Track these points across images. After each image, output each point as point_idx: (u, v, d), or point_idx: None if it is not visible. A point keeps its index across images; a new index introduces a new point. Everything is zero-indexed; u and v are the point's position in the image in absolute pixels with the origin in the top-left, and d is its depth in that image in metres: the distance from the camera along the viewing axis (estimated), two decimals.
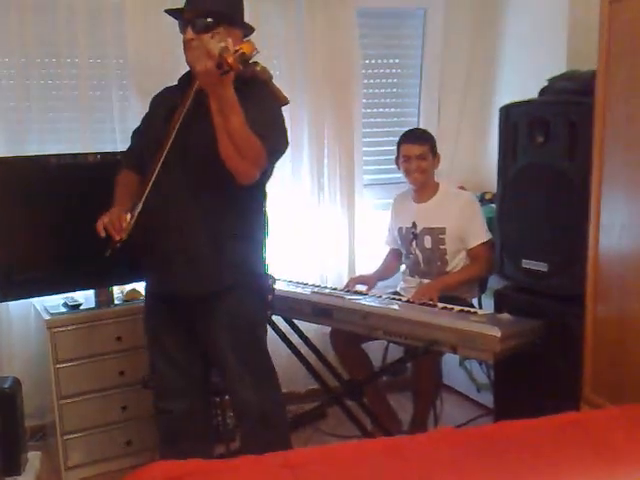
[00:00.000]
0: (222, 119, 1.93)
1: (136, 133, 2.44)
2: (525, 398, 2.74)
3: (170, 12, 2.23)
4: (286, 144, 2.19)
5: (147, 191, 2.11)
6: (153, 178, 2.10)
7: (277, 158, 2.19)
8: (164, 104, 2.25)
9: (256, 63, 2.01)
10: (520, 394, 2.80)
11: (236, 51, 1.84)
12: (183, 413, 2.38)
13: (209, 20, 2.07)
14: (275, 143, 2.12)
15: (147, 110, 2.41)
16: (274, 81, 2.07)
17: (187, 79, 2.21)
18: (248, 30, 2.24)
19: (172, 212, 2.19)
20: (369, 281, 3.26)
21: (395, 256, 3.36)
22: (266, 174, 2.21)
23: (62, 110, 3.10)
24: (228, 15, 2.14)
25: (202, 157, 2.10)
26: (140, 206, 2.11)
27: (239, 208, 2.22)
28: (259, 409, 2.30)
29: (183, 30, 2.12)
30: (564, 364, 2.60)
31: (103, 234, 2.10)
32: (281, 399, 2.46)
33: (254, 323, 2.34)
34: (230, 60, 1.81)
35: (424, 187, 3.13)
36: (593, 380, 2.41)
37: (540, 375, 2.70)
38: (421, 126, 3.73)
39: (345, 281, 3.45)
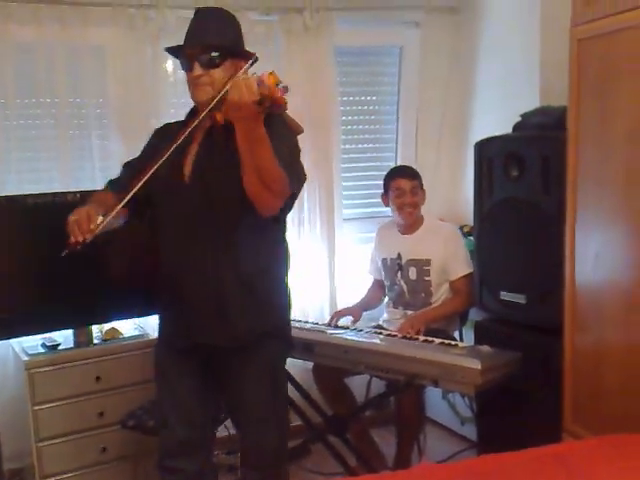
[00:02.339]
0: (250, 153, 1.86)
1: (129, 166, 2.27)
2: (508, 430, 2.73)
3: (170, 50, 2.16)
4: (305, 174, 2.14)
5: (131, 193, 1.93)
6: (139, 184, 1.94)
7: (300, 188, 2.13)
8: (170, 142, 2.11)
9: None
10: (503, 426, 2.80)
11: (277, 85, 1.78)
12: (195, 474, 2.23)
13: (215, 54, 2.02)
14: (299, 173, 2.07)
15: (129, 149, 2.39)
16: None
17: (193, 115, 2.12)
18: (252, 58, 2.11)
19: (195, 257, 2.07)
20: (354, 313, 3.27)
21: (379, 286, 3.37)
22: (288, 205, 2.14)
23: (41, 150, 3.11)
24: (233, 48, 2.08)
25: (223, 195, 2.02)
26: (115, 211, 1.93)
27: (265, 244, 2.14)
28: (278, 457, 2.25)
29: (188, 67, 2.05)
30: (545, 395, 2.61)
31: (70, 236, 1.90)
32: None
33: (283, 371, 2.30)
34: (278, 95, 1.77)
35: (415, 220, 3.17)
36: (573, 410, 2.42)
37: (522, 407, 2.71)
38: (399, 160, 3.80)
39: (327, 315, 3.46)
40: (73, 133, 3.12)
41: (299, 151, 2.13)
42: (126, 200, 1.93)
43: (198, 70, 2.02)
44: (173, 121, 2.31)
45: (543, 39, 3.07)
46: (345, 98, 3.69)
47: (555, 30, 2.76)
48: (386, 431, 3.32)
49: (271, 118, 1.94)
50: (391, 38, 3.73)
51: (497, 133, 2.91)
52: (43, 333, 2.94)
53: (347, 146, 3.72)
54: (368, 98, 3.78)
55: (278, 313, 2.21)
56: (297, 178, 2.05)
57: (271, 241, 2.18)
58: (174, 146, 1.95)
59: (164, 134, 2.20)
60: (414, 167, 3.31)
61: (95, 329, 3.00)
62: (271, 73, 1.80)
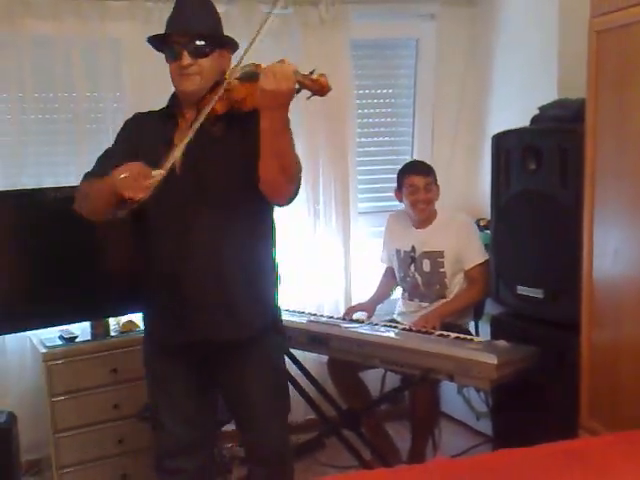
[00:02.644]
0: (274, 139, 1.84)
1: (108, 157, 2.11)
2: (524, 425, 2.71)
3: (154, 38, 2.06)
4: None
5: (170, 158, 1.85)
6: (179, 151, 1.86)
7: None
8: (152, 134, 2.08)
9: None
10: (519, 421, 2.78)
11: (311, 72, 1.80)
12: (198, 470, 2.20)
13: (203, 43, 1.97)
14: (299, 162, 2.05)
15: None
16: None
17: (174, 106, 2.09)
18: (235, 47, 2.12)
19: (194, 251, 2.00)
20: (368, 308, 3.26)
21: (391, 275, 3.36)
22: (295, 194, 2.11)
23: (59, 144, 3.13)
24: (221, 36, 2.06)
25: (219, 185, 2.00)
26: (164, 173, 1.83)
27: (263, 238, 2.14)
28: (282, 451, 2.23)
29: (176, 56, 1.98)
30: (561, 391, 2.59)
31: (127, 193, 1.80)
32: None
33: (284, 364, 2.28)
34: (323, 80, 1.78)
35: (431, 213, 3.16)
36: (590, 406, 2.40)
37: (538, 402, 2.69)
38: (415, 154, 3.78)
39: (342, 309, 3.46)
40: (90, 127, 3.14)
41: None
42: (172, 160, 1.86)
43: (187, 59, 1.96)
44: (144, 111, 2.21)
45: (561, 31, 3.03)
46: (361, 91, 3.67)
47: (573, 22, 2.74)
48: (401, 425, 3.31)
49: (256, 116, 1.92)
50: (407, 31, 3.71)
51: (514, 126, 2.88)
52: (60, 325, 2.96)
53: (363, 139, 3.71)
54: (384, 91, 3.76)
55: (275, 304, 2.19)
56: (301, 167, 2.04)
57: (266, 230, 2.16)
58: (193, 131, 1.87)
59: (141, 126, 2.13)
60: (428, 162, 3.30)
61: (112, 321, 3.02)
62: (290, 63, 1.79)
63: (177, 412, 2.16)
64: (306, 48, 3.39)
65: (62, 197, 2.85)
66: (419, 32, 3.69)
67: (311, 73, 1.80)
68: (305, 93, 1.83)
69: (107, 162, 2.07)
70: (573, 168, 2.51)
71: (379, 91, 3.75)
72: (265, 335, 2.12)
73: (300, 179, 2.01)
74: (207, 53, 1.98)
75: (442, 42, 3.66)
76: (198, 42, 1.96)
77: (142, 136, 2.10)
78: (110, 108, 3.15)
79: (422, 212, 3.13)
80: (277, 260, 2.20)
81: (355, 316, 3.18)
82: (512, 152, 2.81)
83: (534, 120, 2.86)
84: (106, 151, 2.17)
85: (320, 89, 1.80)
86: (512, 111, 3.28)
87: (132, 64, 3.12)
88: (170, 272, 2.02)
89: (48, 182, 3.02)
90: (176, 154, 1.87)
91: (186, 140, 1.87)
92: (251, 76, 1.90)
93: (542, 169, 2.68)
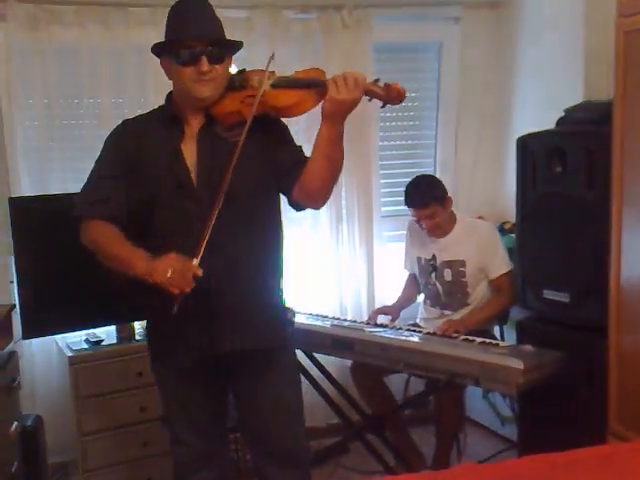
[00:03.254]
0: (330, 147, 1.90)
1: (107, 178, 2.00)
2: (550, 431, 2.69)
3: (169, 43, 1.96)
4: None
5: (204, 243, 1.83)
6: (209, 231, 1.84)
7: None
8: (154, 142, 1.99)
9: None
10: (545, 427, 2.75)
11: (376, 80, 1.86)
12: (220, 479, 2.21)
13: (221, 49, 1.94)
14: None
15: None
16: None
17: (174, 113, 2.01)
18: (237, 51, 2.06)
19: (216, 263, 1.91)
20: (392, 312, 3.24)
21: (414, 281, 3.34)
22: None
23: (84, 149, 3.15)
24: (232, 42, 2.01)
25: (237, 193, 1.92)
26: (200, 256, 1.82)
27: (277, 245, 2.10)
28: (302, 456, 2.19)
29: (193, 61, 1.90)
30: (589, 396, 2.56)
31: (177, 291, 1.81)
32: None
33: (299, 370, 2.30)
34: (398, 88, 1.83)
35: (445, 227, 3.11)
36: (619, 412, 2.37)
37: (566, 407, 2.66)
38: (438, 158, 3.76)
39: (364, 312, 3.45)
40: None
41: None
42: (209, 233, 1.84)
43: (206, 65, 1.89)
44: (132, 117, 2.13)
45: (587, 32, 3.00)
46: None
47: (600, 22, 2.71)
48: (425, 430, 3.29)
49: (276, 123, 2.00)
50: (430, 34, 3.69)
51: (539, 129, 2.85)
52: (87, 329, 3.00)
53: (385, 143, 3.69)
54: (407, 95, 3.73)
55: (289, 317, 2.17)
56: None
57: (278, 236, 2.11)
58: (238, 151, 1.88)
59: (136, 135, 2.02)
60: (452, 166, 3.25)
61: (137, 325, 3.04)
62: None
63: (193, 424, 2.13)
64: (328, 52, 3.39)
65: (82, 209, 2.88)
66: (442, 35, 3.67)
67: (377, 81, 1.86)
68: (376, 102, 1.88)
69: (107, 184, 1.98)
70: (599, 170, 2.49)
71: None
72: (286, 340, 2.11)
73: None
74: (222, 59, 1.94)
75: (466, 45, 3.65)
76: (215, 47, 1.92)
77: (141, 145, 1.99)
78: (135, 114, 3.15)
79: (431, 232, 3.10)
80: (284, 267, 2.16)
81: (379, 320, 3.17)
82: (537, 155, 2.79)
83: (559, 122, 2.83)
84: (99, 171, 2.03)
85: (397, 96, 1.85)
86: (537, 114, 3.26)
87: (156, 70, 3.12)
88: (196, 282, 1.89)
89: (74, 187, 3.03)
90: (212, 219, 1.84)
91: (226, 183, 1.86)
92: (300, 83, 1.94)
93: (568, 172, 2.65)
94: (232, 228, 1.95)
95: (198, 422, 2.14)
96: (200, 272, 1.81)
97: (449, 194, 3.12)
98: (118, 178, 1.98)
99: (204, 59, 1.90)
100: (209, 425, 2.16)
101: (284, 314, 2.13)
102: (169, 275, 1.79)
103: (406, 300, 3.36)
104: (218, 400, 2.17)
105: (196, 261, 1.81)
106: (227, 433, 2.31)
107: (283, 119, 2.05)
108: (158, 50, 2.02)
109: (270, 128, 2.00)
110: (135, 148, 1.99)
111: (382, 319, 3.20)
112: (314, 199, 2.02)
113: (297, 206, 2.06)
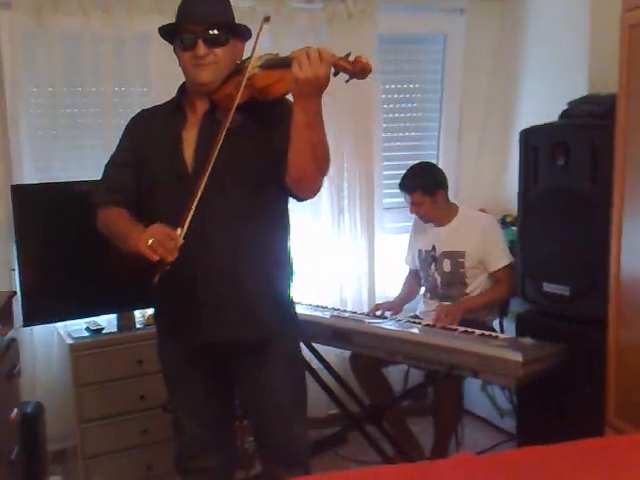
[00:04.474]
0: (308, 131, 1.76)
1: (118, 165, 2.07)
2: (549, 423, 2.70)
3: (167, 27, 1.98)
4: None
5: (189, 217, 1.80)
6: (194, 205, 1.82)
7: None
8: (160, 129, 2.02)
9: None
10: (544, 419, 2.76)
11: (347, 55, 1.70)
12: (221, 468, 2.18)
13: (219, 32, 1.90)
14: None
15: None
16: None
17: (179, 100, 2.02)
18: (248, 36, 2.03)
19: (210, 250, 1.93)
20: (395, 307, 3.23)
21: (415, 277, 3.35)
22: None
23: (87, 138, 3.16)
24: (235, 25, 1.98)
25: (235, 182, 1.92)
26: (185, 228, 1.81)
27: (280, 233, 2.06)
28: (302, 450, 2.15)
29: (190, 45, 1.90)
30: (587, 389, 2.57)
31: (157, 258, 1.76)
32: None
33: (302, 362, 2.23)
34: (364, 61, 1.66)
35: (436, 217, 3.12)
36: (617, 404, 2.37)
37: (564, 400, 2.67)
38: (441, 149, 3.76)
39: (365, 304, 3.46)
40: (118, 122, 3.15)
41: None
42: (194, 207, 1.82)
43: (203, 48, 1.89)
44: (148, 107, 2.17)
45: (592, 25, 2.99)
46: (387, 86, 3.65)
47: (605, 16, 2.70)
48: (424, 421, 3.30)
49: (281, 105, 1.90)
50: (435, 25, 3.68)
51: (543, 121, 2.85)
52: (88, 317, 3.01)
53: (389, 134, 3.69)
54: (411, 86, 3.74)
55: (291, 302, 2.12)
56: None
57: (282, 225, 2.08)
58: (223, 133, 1.84)
59: (147, 123, 2.07)
60: (454, 157, 3.26)
61: (138, 314, 3.05)
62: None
63: (196, 412, 2.13)
64: (333, 43, 3.37)
65: (90, 190, 2.89)
66: (447, 27, 3.66)
67: (347, 56, 1.71)
68: (342, 77, 1.73)
69: (118, 171, 2.05)
70: (602, 164, 2.48)
71: (406, 86, 3.73)
72: (283, 333, 2.06)
73: (328, 170, 1.93)
74: (222, 42, 1.91)
75: (471, 37, 3.64)
76: (213, 31, 1.90)
77: (147, 134, 2.04)
78: (138, 102, 3.16)
79: (421, 219, 3.15)
80: (292, 255, 2.12)
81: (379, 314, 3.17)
82: (541, 148, 2.78)
83: (563, 115, 2.83)
84: (113, 158, 2.10)
85: (362, 70, 1.68)
86: (541, 106, 3.25)
87: (159, 58, 3.13)
88: (181, 271, 1.88)
89: (77, 175, 3.05)
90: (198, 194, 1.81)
91: (212, 160, 1.82)
92: (279, 63, 1.85)
93: (571, 165, 2.64)
94: (228, 219, 1.94)
95: (200, 409, 2.13)
96: (177, 247, 1.76)
97: (450, 186, 3.13)
98: (128, 165, 2.04)
99: (200, 43, 1.89)
100: (212, 412, 2.14)
101: (284, 305, 2.09)
102: (150, 243, 1.77)
103: (407, 295, 3.36)
104: (223, 388, 2.15)
105: (180, 231, 1.79)
106: (232, 421, 2.28)
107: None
108: (167, 37, 2.02)
109: (276, 112, 1.91)
110: (144, 136, 2.04)
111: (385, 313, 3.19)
112: (303, 188, 1.92)
113: (292, 195, 2.00)
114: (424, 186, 3.06)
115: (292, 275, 2.12)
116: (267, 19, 1.91)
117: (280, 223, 2.07)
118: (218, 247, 1.94)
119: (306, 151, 1.80)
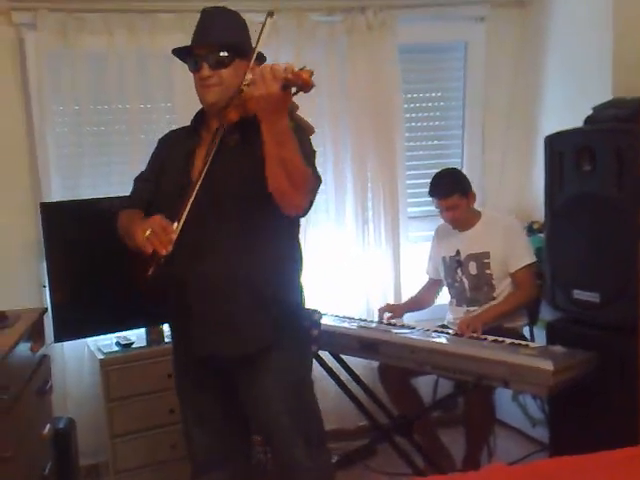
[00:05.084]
0: (277, 146, 1.77)
1: (142, 180, 2.21)
2: (582, 433, 2.66)
3: (179, 51, 2.10)
4: (320, 176, 2.01)
5: (185, 213, 1.88)
6: (191, 200, 1.89)
7: (318, 188, 2.00)
8: (178, 147, 2.10)
9: None
10: (576, 429, 2.72)
11: (302, 68, 1.68)
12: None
13: (223, 54, 1.96)
14: (317, 173, 1.98)
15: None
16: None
17: (200, 119, 2.10)
18: (261, 58, 2.05)
19: (204, 263, 1.96)
20: (396, 310, 3.23)
21: (433, 287, 3.33)
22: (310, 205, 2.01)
23: (114, 155, 3.21)
24: (240, 46, 2.01)
25: (234, 196, 1.96)
26: (182, 223, 1.88)
27: (278, 246, 2.04)
28: (313, 475, 2.09)
29: (196, 68, 1.99)
30: (621, 397, 2.52)
31: (151, 249, 1.82)
32: (332, 463, 2.27)
33: (305, 381, 2.14)
34: (304, 75, 1.65)
35: (468, 221, 3.11)
36: None
37: (596, 409, 2.62)
38: (465, 157, 3.74)
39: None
40: (144, 138, 3.20)
41: (315, 152, 2.03)
42: (190, 205, 1.90)
43: (206, 70, 1.96)
44: (176, 127, 2.30)
45: (616, 29, 2.95)
46: (409, 95, 3.65)
47: (629, 19, 2.68)
48: (454, 432, 3.27)
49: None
50: (456, 34, 3.68)
51: (568, 127, 2.82)
52: (117, 332, 3.04)
53: (411, 143, 3.69)
54: (433, 94, 3.74)
55: (291, 320, 2.07)
56: (317, 177, 1.97)
57: (284, 243, 2.07)
58: (214, 149, 1.94)
59: (170, 142, 2.19)
60: (479, 166, 3.24)
61: (166, 328, 3.06)
62: (288, 63, 1.72)
63: (203, 422, 2.13)
64: (353, 54, 3.39)
65: (118, 207, 2.93)
66: (468, 35, 3.66)
67: (301, 69, 1.69)
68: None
69: (140, 186, 2.19)
70: (629, 169, 2.45)
71: (427, 95, 3.73)
72: (276, 346, 2.02)
73: (314, 189, 1.93)
74: (227, 64, 1.97)
75: (492, 44, 3.62)
76: (217, 53, 1.96)
77: (168, 152, 2.15)
78: (162, 119, 3.21)
79: (452, 224, 3.12)
80: (300, 268, 2.11)
81: (386, 316, 3.15)
82: (566, 153, 2.76)
83: (588, 120, 2.80)
84: (141, 173, 2.24)
85: (303, 84, 1.66)
86: (565, 112, 3.22)
87: (183, 75, 3.16)
88: (177, 282, 1.98)
89: (104, 192, 3.09)
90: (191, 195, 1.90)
91: (204, 170, 1.92)
92: None
93: (597, 170, 2.62)
94: (226, 234, 1.97)
95: (207, 419, 2.13)
96: (171, 241, 1.81)
97: (476, 193, 3.12)
98: (149, 180, 2.17)
99: (204, 65, 1.97)
100: (219, 423, 2.13)
101: (278, 318, 2.02)
102: (147, 234, 1.82)
103: (415, 303, 3.34)
104: (226, 399, 2.12)
105: (176, 225, 1.85)
106: (246, 433, 2.25)
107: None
108: (182, 58, 2.13)
109: None
110: (164, 154, 2.17)
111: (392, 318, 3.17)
112: (285, 205, 1.90)
113: (283, 212, 1.94)
114: (459, 188, 3.06)
115: (298, 287, 2.11)
116: (271, 14, 1.95)
117: (277, 239, 2.03)
118: (209, 263, 1.97)
119: (277, 168, 1.81)
